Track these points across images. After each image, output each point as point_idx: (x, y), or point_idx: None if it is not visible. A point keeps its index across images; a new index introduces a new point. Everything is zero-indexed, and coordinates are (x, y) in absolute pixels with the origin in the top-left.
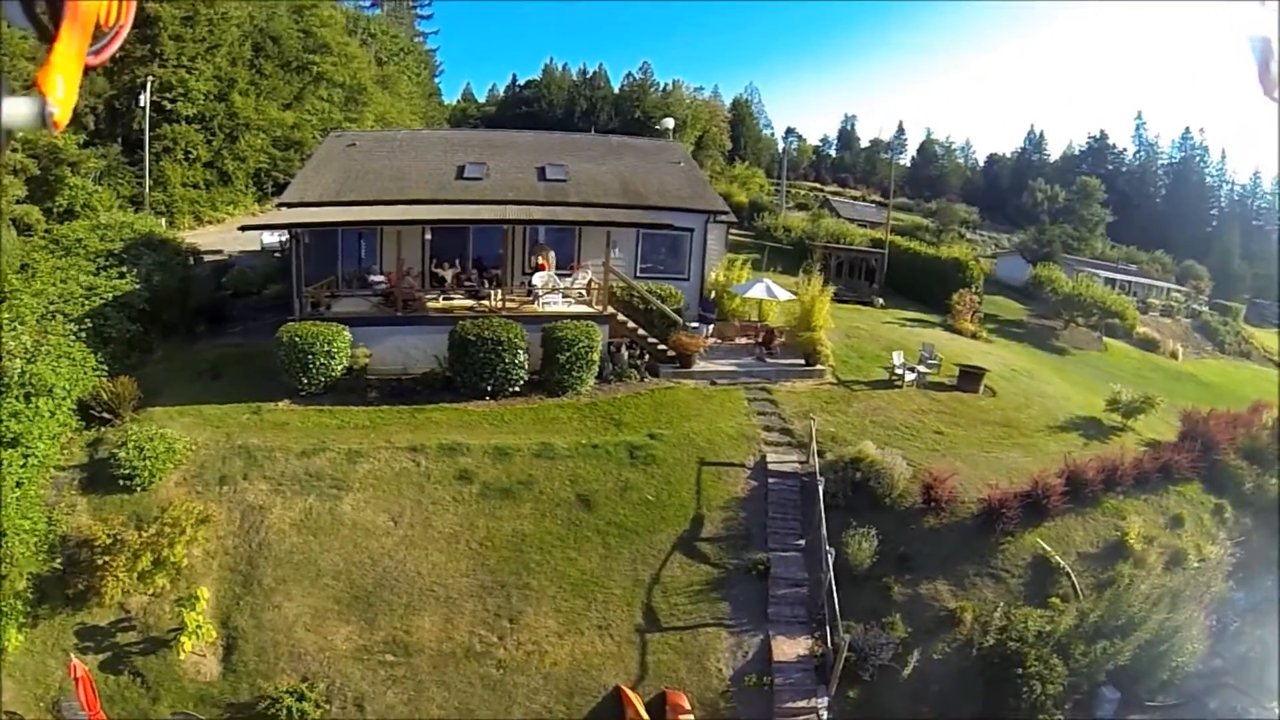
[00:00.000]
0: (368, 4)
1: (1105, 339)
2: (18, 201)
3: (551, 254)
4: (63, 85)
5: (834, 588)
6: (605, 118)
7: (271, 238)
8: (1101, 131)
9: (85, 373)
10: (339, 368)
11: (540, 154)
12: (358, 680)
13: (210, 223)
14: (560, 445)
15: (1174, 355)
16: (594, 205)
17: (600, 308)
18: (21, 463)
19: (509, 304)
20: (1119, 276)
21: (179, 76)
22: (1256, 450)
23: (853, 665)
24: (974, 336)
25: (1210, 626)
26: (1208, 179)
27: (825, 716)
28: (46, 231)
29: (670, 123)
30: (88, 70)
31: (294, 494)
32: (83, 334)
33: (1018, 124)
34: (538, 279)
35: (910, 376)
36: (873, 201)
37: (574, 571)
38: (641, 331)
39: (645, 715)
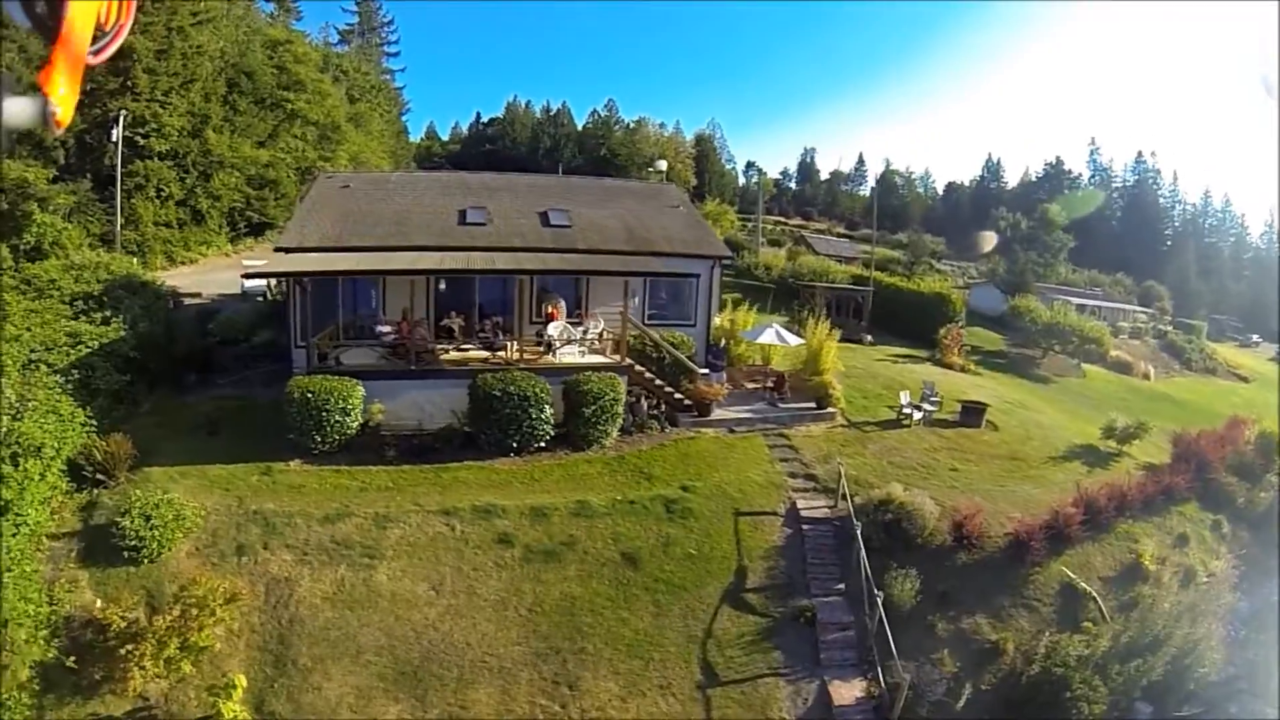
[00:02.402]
0: (337, 40)
1: (1083, 365)
2: None
3: (562, 303)
4: (64, 84)
5: (886, 628)
6: (569, 154)
7: (254, 282)
8: (1057, 158)
9: (74, 429)
10: (354, 425)
11: (539, 198)
12: None
13: (184, 263)
14: (597, 503)
15: (1146, 376)
16: (602, 252)
17: (619, 358)
18: (14, 533)
19: (526, 355)
20: (1089, 302)
21: (152, 111)
22: (1244, 466)
23: (910, 703)
24: (963, 370)
25: (1224, 637)
26: (1160, 200)
27: None
28: (15, 270)
29: (663, 165)
30: (88, 70)
31: (322, 564)
32: (69, 386)
33: (975, 152)
34: (552, 329)
35: (917, 415)
36: (839, 235)
37: (628, 632)
38: (659, 381)
39: None
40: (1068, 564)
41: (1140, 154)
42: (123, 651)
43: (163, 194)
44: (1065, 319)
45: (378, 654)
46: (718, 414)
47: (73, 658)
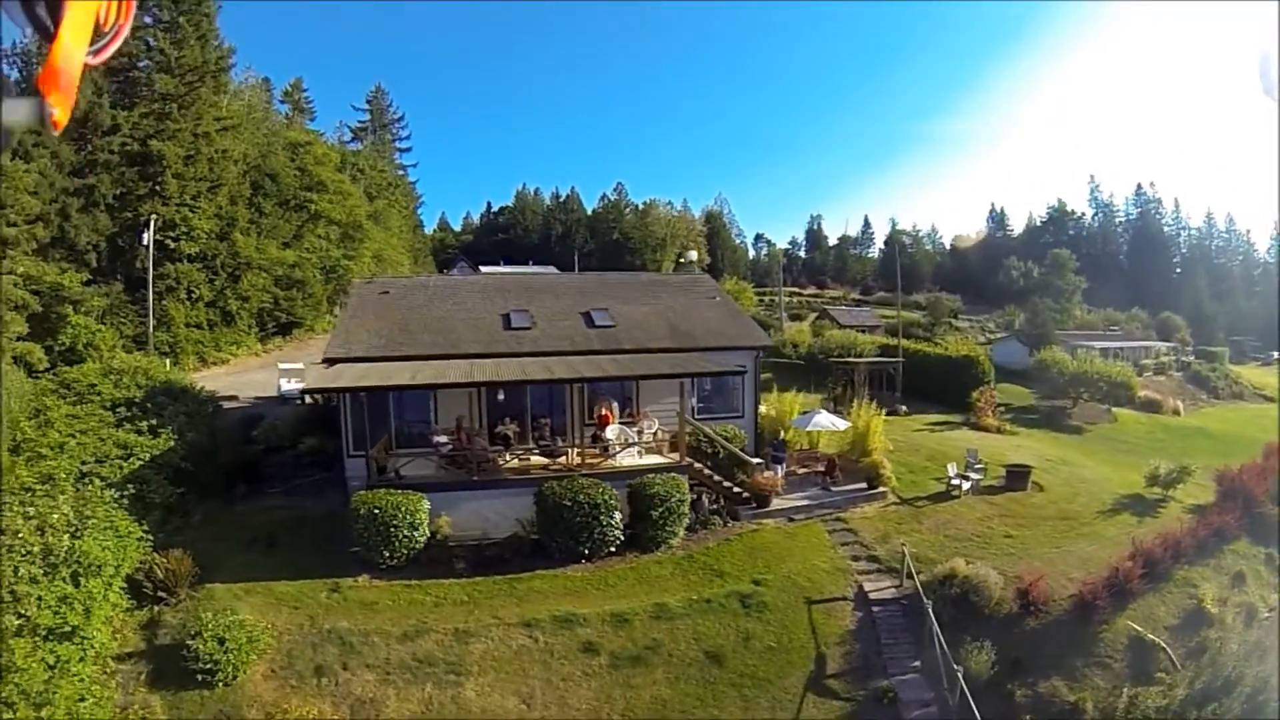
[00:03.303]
0: (350, 139)
1: (1113, 409)
2: (19, 338)
3: (615, 404)
4: (63, 85)
5: (969, 700)
6: (581, 240)
7: (291, 385)
8: (1060, 200)
9: (131, 545)
10: (421, 539)
11: (579, 297)
12: None
13: (215, 363)
14: (674, 604)
15: (1176, 412)
16: (649, 350)
17: (679, 457)
18: (80, 657)
19: (589, 460)
20: (1110, 344)
21: (182, 215)
22: None
23: None
24: (999, 431)
25: None
26: (1165, 228)
27: None
28: (51, 372)
29: (694, 255)
30: (87, 70)
31: (407, 683)
32: (124, 500)
33: (980, 203)
34: (610, 433)
35: (965, 485)
36: (854, 300)
37: None
38: (716, 477)
39: None
40: (1133, 618)
41: (1140, 186)
42: None
43: (193, 295)
44: (1092, 367)
45: None
46: (775, 503)
47: None
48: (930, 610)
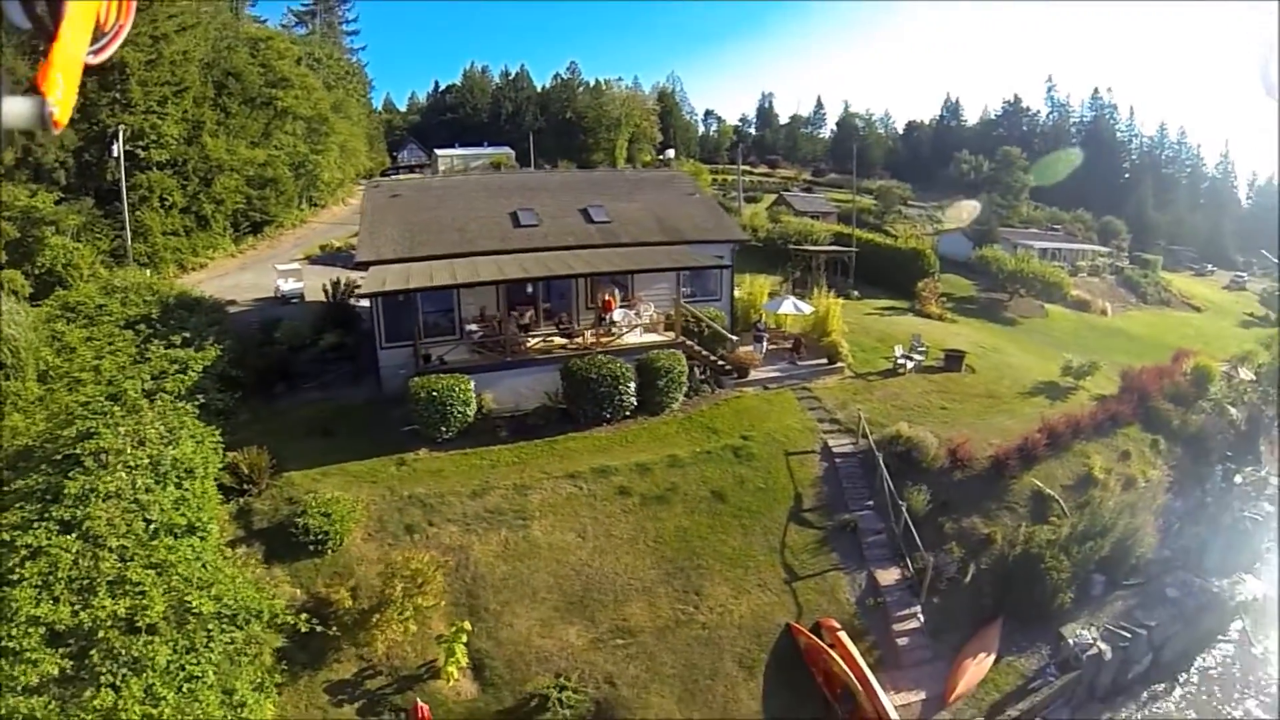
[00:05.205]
0: (295, 23)
1: (1045, 305)
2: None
3: (617, 291)
4: (62, 85)
5: (911, 529)
6: (531, 119)
7: (288, 284)
8: (1015, 95)
9: (208, 448)
10: (471, 413)
11: (576, 195)
12: (602, 664)
13: (194, 269)
14: (683, 455)
15: (1104, 312)
16: (644, 244)
17: (675, 336)
18: (204, 549)
19: (601, 340)
20: (1049, 245)
21: (150, 122)
22: (1179, 394)
23: (932, 580)
24: (940, 319)
25: (1159, 527)
26: (1118, 134)
27: (921, 617)
28: (38, 298)
29: (671, 153)
30: (87, 70)
31: (485, 530)
32: (194, 410)
33: (934, 91)
34: (618, 315)
35: (909, 365)
36: (804, 180)
37: (727, 549)
38: (705, 352)
39: (813, 637)
40: (1036, 476)
41: (1096, 90)
42: (374, 619)
43: (167, 203)
44: (1028, 266)
45: (549, 592)
46: (753, 375)
47: (322, 628)
48: (881, 462)
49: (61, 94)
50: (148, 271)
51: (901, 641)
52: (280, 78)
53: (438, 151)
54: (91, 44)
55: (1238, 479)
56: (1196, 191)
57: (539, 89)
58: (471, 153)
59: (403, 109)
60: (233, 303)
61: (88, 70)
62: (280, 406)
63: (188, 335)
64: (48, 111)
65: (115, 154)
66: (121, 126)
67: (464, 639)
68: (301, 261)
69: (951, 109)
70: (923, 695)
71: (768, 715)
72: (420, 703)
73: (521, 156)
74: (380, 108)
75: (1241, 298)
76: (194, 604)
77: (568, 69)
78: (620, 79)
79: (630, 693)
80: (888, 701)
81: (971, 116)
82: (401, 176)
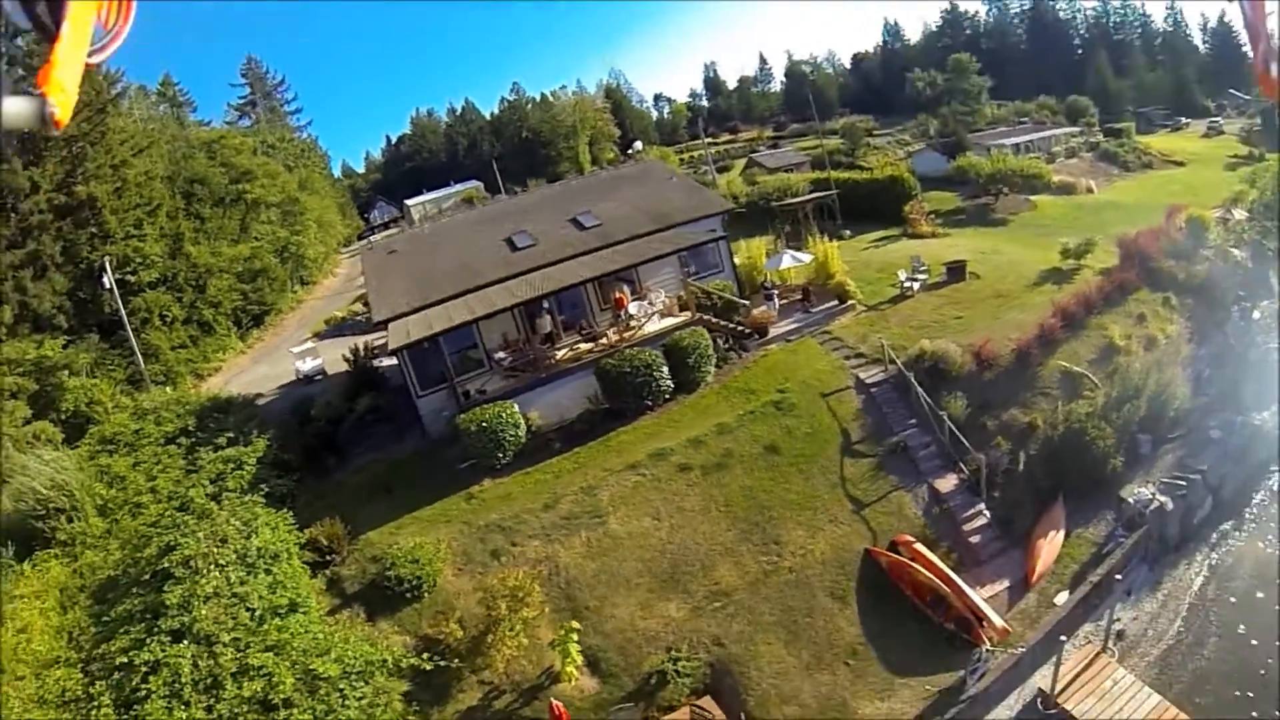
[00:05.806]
0: (237, 117)
1: (1031, 198)
2: (25, 422)
3: (626, 287)
4: (63, 85)
5: (957, 435)
6: (488, 147)
7: (308, 364)
8: (952, 3)
9: (284, 530)
10: (523, 434)
11: (560, 207)
12: (706, 628)
13: (209, 375)
14: (729, 421)
15: (1090, 191)
16: (640, 236)
17: (690, 314)
18: (313, 620)
19: (624, 336)
20: (1021, 139)
21: (132, 246)
22: (1179, 249)
23: (989, 477)
24: (933, 235)
25: (1189, 377)
26: (1060, 14)
27: (987, 513)
28: (73, 442)
29: (640, 145)
30: (88, 70)
31: (566, 536)
32: (261, 500)
33: (872, 19)
34: (633, 309)
35: (915, 286)
36: (768, 139)
37: (793, 496)
38: (722, 322)
39: (893, 555)
40: (1061, 358)
41: None
42: (487, 640)
43: (167, 319)
44: (1005, 164)
45: (640, 576)
46: (773, 332)
47: (444, 662)
48: (913, 380)
49: (62, 94)
50: (168, 389)
51: (974, 540)
52: (243, 172)
53: (407, 202)
54: (92, 44)
55: (1255, 315)
56: (1152, 50)
57: (489, 116)
58: (441, 195)
59: (361, 170)
60: (259, 395)
61: (61, 213)
62: (336, 479)
63: (230, 435)
64: (49, 111)
65: (107, 285)
66: (106, 258)
67: (575, 638)
68: (312, 339)
69: (893, 31)
70: (1006, 583)
71: (869, 635)
72: (554, 701)
73: (489, 186)
74: (340, 175)
75: (1221, 142)
76: (319, 670)
77: (511, 90)
78: (564, 86)
79: (739, 648)
80: (976, 596)
81: (913, 35)
82: (379, 236)
